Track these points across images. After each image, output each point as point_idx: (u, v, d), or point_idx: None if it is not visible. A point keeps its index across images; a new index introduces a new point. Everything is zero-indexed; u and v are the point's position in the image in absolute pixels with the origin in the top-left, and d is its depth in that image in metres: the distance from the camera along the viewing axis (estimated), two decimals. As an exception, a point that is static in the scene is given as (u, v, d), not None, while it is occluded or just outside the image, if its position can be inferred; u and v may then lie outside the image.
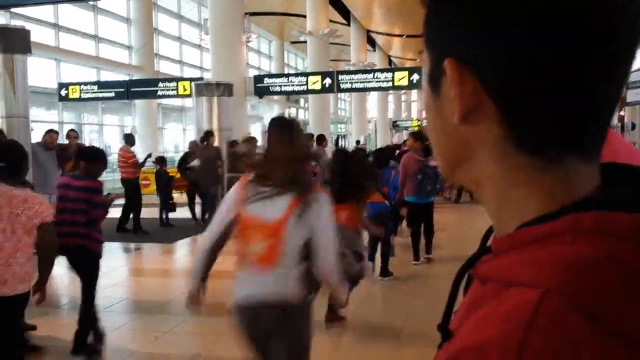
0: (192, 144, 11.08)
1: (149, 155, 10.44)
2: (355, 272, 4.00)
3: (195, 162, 10.58)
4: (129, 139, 10.08)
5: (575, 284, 0.37)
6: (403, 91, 35.23)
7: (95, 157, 4.15)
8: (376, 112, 31.56)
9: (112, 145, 18.67)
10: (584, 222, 0.40)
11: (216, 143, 11.37)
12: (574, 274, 0.38)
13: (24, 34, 7.52)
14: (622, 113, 20.20)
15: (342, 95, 30.74)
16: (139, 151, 13.13)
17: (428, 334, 1.40)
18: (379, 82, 14.48)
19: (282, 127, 2.54)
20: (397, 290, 5.91)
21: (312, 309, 2.55)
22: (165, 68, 20.23)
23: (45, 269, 3.25)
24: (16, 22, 13.31)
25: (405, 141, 14.57)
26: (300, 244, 2.34)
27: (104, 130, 18.20)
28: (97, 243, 4.03)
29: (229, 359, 4.19)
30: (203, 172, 10.13)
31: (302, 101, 29.45)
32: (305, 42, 21.63)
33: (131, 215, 9.48)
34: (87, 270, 4.01)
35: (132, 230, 9.31)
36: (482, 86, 0.43)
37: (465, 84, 0.43)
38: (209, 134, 10.76)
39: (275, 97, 23.69)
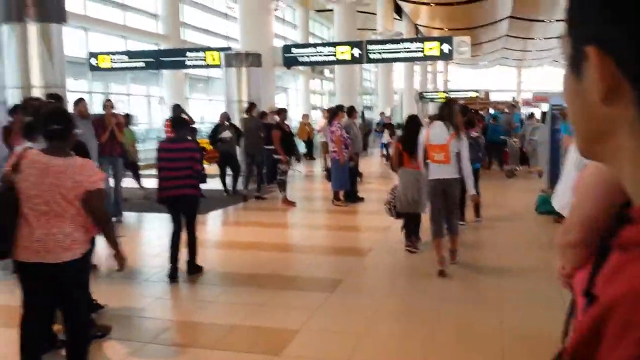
0: (223, 116, 11.05)
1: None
2: None
3: (226, 134, 10.57)
4: (177, 111, 10.16)
5: None
6: (430, 62, 34.66)
7: (184, 125, 5.81)
8: (402, 83, 31.12)
9: (139, 115, 18.76)
10: None
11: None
12: None
13: (59, 2, 7.46)
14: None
15: (366, 65, 30.30)
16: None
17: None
18: (409, 52, 14.17)
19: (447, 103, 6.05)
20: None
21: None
22: (191, 37, 20.09)
23: (107, 236, 3.24)
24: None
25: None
26: (455, 152, 5.49)
27: (131, 100, 18.24)
28: (199, 189, 5.67)
29: (266, 329, 4.21)
30: (248, 142, 10.64)
31: (327, 72, 29.11)
32: (331, 10, 21.28)
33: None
34: (192, 210, 5.49)
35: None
36: (620, 69, 0.46)
37: (606, 67, 0.47)
38: (252, 106, 11.05)
39: (301, 68, 23.45)
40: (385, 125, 18.28)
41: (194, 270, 5.59)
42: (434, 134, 5.59)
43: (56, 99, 5.58)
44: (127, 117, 10.28)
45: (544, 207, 8.50)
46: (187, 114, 10.39)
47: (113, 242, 3.25)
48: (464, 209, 7.47)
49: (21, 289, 3.10)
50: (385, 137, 17.09)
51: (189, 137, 5.89)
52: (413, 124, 6.64)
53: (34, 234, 2.92)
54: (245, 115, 11.25)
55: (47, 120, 3.16)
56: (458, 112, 5.87)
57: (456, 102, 6.46)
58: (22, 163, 2.95)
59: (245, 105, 11.73)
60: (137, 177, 10.46)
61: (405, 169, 6.38)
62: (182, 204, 5.40)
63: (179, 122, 5.87)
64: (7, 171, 3.00)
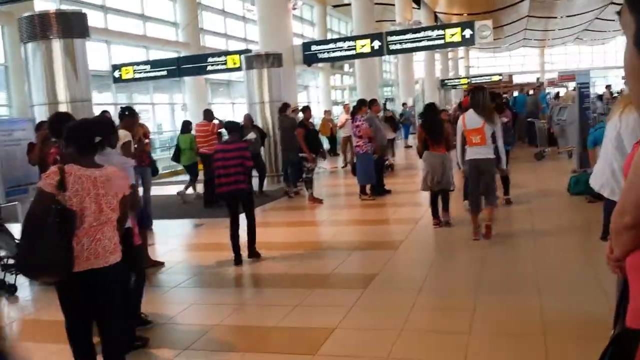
0: (247, 118, 11.10)
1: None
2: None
3: (250, 135, 10.62)
4: (208, 115, 10.27)
5: None
6: (451, 49, 34.24)
7: (235, 128, 6.53)
8: (423, 72, 30.82)
9: (163, 124, 18.98)
10: None
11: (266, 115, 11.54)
12: None
13: (81, 17, 7.59)
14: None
15: (386, 57, 30.13)
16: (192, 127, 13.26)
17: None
18: (430, 40, 14.00)
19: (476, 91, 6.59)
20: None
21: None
22: (210, 42, 20.24)
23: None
24: (66, 7, 13.51)
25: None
26: (490, 134, 6.17)
27: (155, 109, 18.46)
28: (250, 184, 6.51)
29: (302, 329, 4.21)
30: (284, 141, 10.90)
31: (346, 66, 29.01)
32: (349, 4, 21.16)
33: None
34: (250, 201, 6.33)
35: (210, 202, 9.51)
36: None
37: None
38: (286, 106, 11.19)
39: (320, 65, 23.42)
40: (386, 119, 15.08)
41: (254, 254, 6.33)
42: (470, 119, 6.27)
43: (130, 112, 5.64)
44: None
45: (577, 187, 8.34)
46: (216, 118, 10.54)
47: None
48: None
49: (63, 303, 3.16)
50: (390, 133, 14.50)
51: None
52: (431, 112, 7.58)
53: (81, 244, 3.01)
54: (278, 115, 11.33)
55: (87, 132, 3.20)
56: (488, 98, 6.51)
57: (485, 88, 6.77)
58: (68, 180, 2.97)
59: (277, 105, 11.79)
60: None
61: (430, 152, 7.18)
62: (239, 197, 6.24)
63: (232, 126, 6.61)
64: (52, 191, 2.95)
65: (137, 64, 15.15)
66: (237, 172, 6.09)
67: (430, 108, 7.72)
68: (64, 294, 3.15)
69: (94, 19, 14.68)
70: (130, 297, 4.02)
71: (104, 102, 15.45)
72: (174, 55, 17.53)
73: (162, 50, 17.57)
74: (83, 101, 7.46)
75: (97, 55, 15.00)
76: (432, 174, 7.08)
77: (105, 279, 3.09)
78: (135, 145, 8.05)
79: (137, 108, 11.94)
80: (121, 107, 5.69)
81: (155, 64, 15.29)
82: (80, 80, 7.51)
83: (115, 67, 15.01)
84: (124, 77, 14.98)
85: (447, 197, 7.32)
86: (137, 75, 14.96)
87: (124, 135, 5.51)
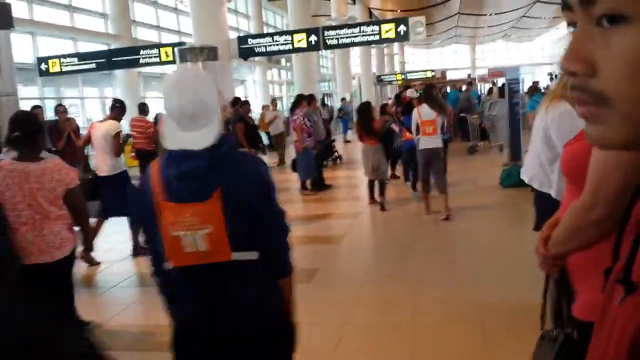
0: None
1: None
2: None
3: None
4: (144, 109, 9.96)
5: None
6: (386, 44, 34.77)
7: None
8: (359, 67, 31.15)
9: (95, 118, 18.26)
10: None
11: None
12: None
13: (5, 8, 7.17)
14: None
15: (323, 52, 30.22)
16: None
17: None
18: (366, 35, 14.13)
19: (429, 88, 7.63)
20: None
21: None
22: (143, 35, 19.63)
23: (85, 231, 3.36)
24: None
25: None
26: (441, 125, 7.07)
27: (85, 104, 17.74)
28: None
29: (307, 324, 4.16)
30: (235, 137, 10.66)
31: (283, 61, 28.91)
32: (285, -1, 21.09)
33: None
34: None
35: None
36: None
37: None
38: (237, 100, 11.17)
39: (257, 59, 23.21)
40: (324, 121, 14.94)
41: None
42: (425, 112, 7.12)
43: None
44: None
45: (508, 180, 8.67)
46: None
47: (91, 238, 3.40)
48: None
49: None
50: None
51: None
52: (366, 110, 8.36)
53: (26, 238, 2.98)
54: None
55: (11, 127, 3.14)
56: (439, 94, 7.59)
57: (435, 86, 8.16)
58: None
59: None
60: None
61: (365, 145, 8.08)
62: None
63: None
64: None
65: (64, 56, 14.48)
66: None
67: (365, 107, 8.55)
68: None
69: (19, 9, 13.92)
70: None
71: (31, 96, 14.70)
72: (104, 47, 16.90)
73: (91, 43, 16.89)
74: (8, 95, 7.06)
75: (22, 47, 14.25)
76: (369, 162, 8.05)
77: (50, 274, 3.07)
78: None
79: (65, 103, 11.50)
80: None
81: (83, 56, 14.67)
82: (4, 73, 7.11)
83: (41, 60, 14.29)
84: (51, 70, 14.29)
85: (383, 185, 8.22)
86: (65, 68, 14.30)
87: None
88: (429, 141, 7.05)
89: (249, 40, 14.56)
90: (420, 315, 4.13)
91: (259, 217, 1.76)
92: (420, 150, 7.13)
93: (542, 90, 13.28)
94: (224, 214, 1.68)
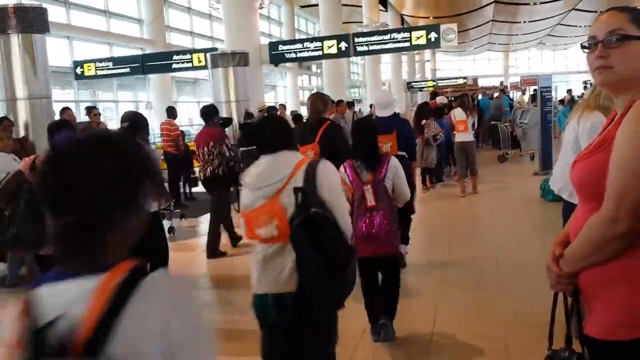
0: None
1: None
2: None
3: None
4: (172, 112, 10.08)
5: None
6: (417, 51, 34.57)
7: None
8: (390, 74, 31.04)
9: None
10: None
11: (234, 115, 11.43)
12: None
13: (41, 12, 7.36)
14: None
15: (353, 58, 30.23)
16: (156, 125, 13.04)
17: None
18: (396, 42, 14.11)
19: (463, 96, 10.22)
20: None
21: None
22: (177, 40, 19.96)
23: None
24: (27, 1, 13.12)
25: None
26: (471, 124, 9.57)
27: (119, 107, 18.10)
28: None
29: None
30: None
31: (314, 67, 29.02)
32: (316, 5, 21.19)
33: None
34: None
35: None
36: None
37: None
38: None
39: (288, 65, 23.36)
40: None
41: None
42: (458, 114, 9.29)
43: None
44: None
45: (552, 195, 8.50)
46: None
47: None
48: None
49: None
50: None
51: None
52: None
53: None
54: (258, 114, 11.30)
55: None
56: (470, 100, 9.81)
57: (467, 94, 10.47)
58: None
59: (243, 104, 11.73)
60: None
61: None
62: None
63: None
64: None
65: (100, 60, 14.83)
66: None
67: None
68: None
69: (56, 14, 14.32)
70: None
71: (66, 99, 15.08)
72: (138, 52, 17.23)
73: (126, 48, 17.24)
74: (42, 98, 7.24)
75: (59, 51, 14.64)
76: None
77: None
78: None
79: (100, 106, 11.74)
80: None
81: (118, 60, 14.99)
82: (39, 77, 7.28)
83: (77, 64, 14.66)
84: (87, 73, 14.64)
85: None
86: (100, 72, 14.64)
87: None
88: (462, 136, 9.16)
89: (280, 46, 14.66)
90: (441, 323, 4.08)
91: None
92: (456, 142, 9.34)
93: (576, 99, 13.01)
94: None
